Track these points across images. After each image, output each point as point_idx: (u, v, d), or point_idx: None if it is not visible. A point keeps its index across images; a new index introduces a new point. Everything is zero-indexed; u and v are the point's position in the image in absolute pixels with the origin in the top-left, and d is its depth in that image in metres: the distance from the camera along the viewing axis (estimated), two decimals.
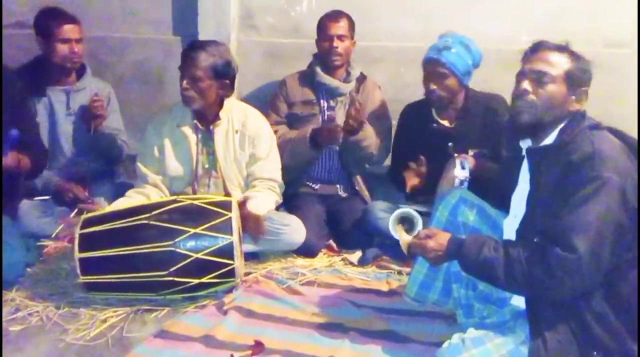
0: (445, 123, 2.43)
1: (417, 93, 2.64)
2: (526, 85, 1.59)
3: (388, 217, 2.42)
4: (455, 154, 2.17)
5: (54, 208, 2.51)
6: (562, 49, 1.60)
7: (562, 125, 1.59)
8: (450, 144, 2.37)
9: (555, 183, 1.53)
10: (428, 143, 2.39)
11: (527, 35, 2.75)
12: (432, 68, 2.32)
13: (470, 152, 2.29)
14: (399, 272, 2.32)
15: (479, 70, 2.43)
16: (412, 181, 2.37)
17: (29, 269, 2.18)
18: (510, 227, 1.75)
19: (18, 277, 2.09)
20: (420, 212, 2.22)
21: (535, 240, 1.54)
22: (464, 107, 2.41)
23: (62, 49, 2.52)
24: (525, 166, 1.69)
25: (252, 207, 2.23)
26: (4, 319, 1.88)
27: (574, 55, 1.60)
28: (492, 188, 1.97)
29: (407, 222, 2.01)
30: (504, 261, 1.52)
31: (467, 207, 1.87)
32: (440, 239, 1.66)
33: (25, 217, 2.37)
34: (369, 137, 2.57)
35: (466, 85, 2.41)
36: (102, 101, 2.57)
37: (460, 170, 2.06)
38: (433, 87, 2.33)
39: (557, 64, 1.58)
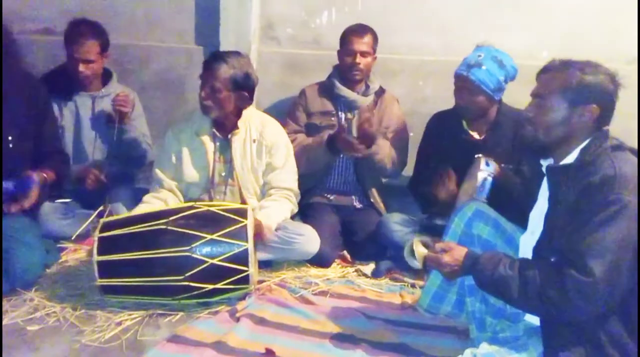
0: (475, 135, 2.41)
1: (435, 106, 2.66)
2: (529, 110, 1.60)
3: (402, 230, 2.46)
4: (480, 155, 2.13)
5: (74, 211, 2.57)
6: (568, 65, 1.58)
7: (583, 144, 1.57)
8: (477, 156, 2.35)
9: (574, 203, 1.51)
10: (455, 154, 2.36)
11: (548, 51, 2.76)
12: (462, 84, 2.31)
13: None
14: (412, 285, 2.32)
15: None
16: (442, 196, 2.30)
17: (48, 270, 2.22)
18: (526, 243, 1.74)
19: (37, 278, 2.14)
20: (437, 225, 2.24)
21: (552, 260, 1.53)
22: (495, 120, 2.38)
23: (72, 64, 2.57)
24: (545, 184, 1.68)
25: (262, 215, 2.25)
26: (22, 318, 1.92)
27: (580, 71, 1.56)
28: (511, 203, 1.96)
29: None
30: (519, 280, 1.51)
31: (482, 221, 1.87)
32: (456, 254, 1.66)
33: (46, 219, 2.42)
34: (383, 151, 2.57)
35: (499, 100, 2.37)
36: (126, 96, 2.61)
37: (485, 166, 2.04)
38: (462, 101, 2.32)
39: (555, 84, 1.57)
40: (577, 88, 1.55)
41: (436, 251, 1.71)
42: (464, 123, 2.42)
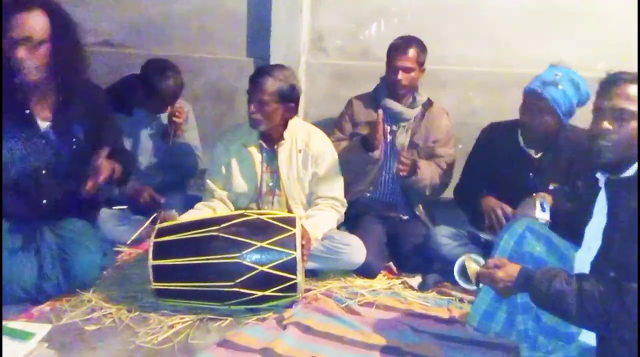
0: (532, 153, 2.34)
1: (484, 118, 2.63)
2: (607, 124, 1.54)
3: (451, 243, 2.43)
4: (534, 194, 2.06)
5: (130, 217, 2.68)
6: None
7: None
8: (530, 174, 2.29)
9: (634, 217, 1.47)
10: (507, 168, 2.31)
11: (604, 62, 2.67)
12: (533, 101, 2.19)
13: (551, 186, 2.20)
14: (461, 300, 2.27)
15: None
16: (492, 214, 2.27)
17: (105, 273, 2.31)
18: (582, 260, 1.69)
19: (95, 280, 2.22)
20: (483, 239, 2.20)
21: (611, 275, 1.49)
22: (556, 141, 2.27)
23: (155, 101, 2.73)
24: (601, 198, 1.63)
25: (309, 224, 2.26)
26: (80, 318, 2.00)
27: None
28: (564, 220, 1.91)
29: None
30: (577, 295, 1.47)
31: (534, 238, 1.83)
32: (510, 270, 1.63)
33: (104, 225, 2.54)
34: (425, 179, 2.55)
35: (566, 123, 2.26)
36: (181, 108, 2.72)
37: (541, 212, 1.97)
38: (529, 118, 2.22)
39: (635, 97, 1.52)
40: None
41: (489, 267, 1.68)
42: (521, 139, 2.35)
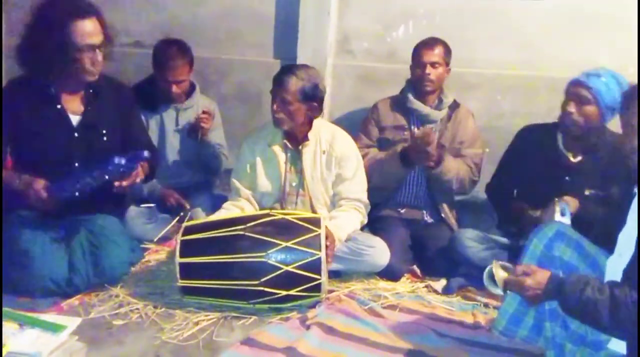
0: (570, 155, 2.32)
1: (513, 121, 2.61)
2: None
3: (476, 246, 2.40)
4: (556, 199, 2.05)
5: (157, 215, 2.72)
6: None
7: None
8: (567, 178, 2.27)
9: None
10: (543, 171, 2.29)
11: (634, 67, 2.62)
12: (576, 90, 2.20)
13: (586, 192, 2.18)
14: (486, 305, 2.25)
15: None
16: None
17: (132, 269, 2.34)
18: (614, 266, 1.66)
19: (123, 275, 2.26)
20: (510, 244, 2.17)
21: None
22: (595, 144, 2.26)
23: (164, 85, 2.73)
24: (635, 205, 1.60)
25: (332, 225, 2.27)
26: (108, 313, 2.05)
27: None
28: (596, 226, 1.88)
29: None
30: (609, 303, 1.44)
31: (564, 243, 1.79)
32: (539, 277, 1.60)
33: (131, 222, 2.58)
34: (451, 171, 2.53)
35: (604, 123, 2.25)
36: (210, 115, 2.75)
37: (560, 217, 1.96)
38: (571, 110, 2.20)
39: None
40: None
41: (517, 274, 1.66)
42: (560, 142, 2.32)
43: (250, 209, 2.40)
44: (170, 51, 2.70)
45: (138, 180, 2.12)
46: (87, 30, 2.04)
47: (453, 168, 2.55)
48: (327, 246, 2.12)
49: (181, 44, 2.75)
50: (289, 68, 2.37)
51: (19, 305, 1.92)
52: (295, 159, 2.42)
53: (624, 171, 2.05)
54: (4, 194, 2.25)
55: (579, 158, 2.30)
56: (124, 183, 2.05)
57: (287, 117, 2.31)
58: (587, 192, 2.16)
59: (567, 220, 1.96)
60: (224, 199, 2.53)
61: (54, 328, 1.64)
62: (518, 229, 2.28)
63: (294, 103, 2.29)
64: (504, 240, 2.36)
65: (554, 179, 2.25)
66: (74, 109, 2.18)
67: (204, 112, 2.73)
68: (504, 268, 1.79)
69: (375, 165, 2.59)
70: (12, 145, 2.19)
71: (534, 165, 2.34)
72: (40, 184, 2.02)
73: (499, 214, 2.54)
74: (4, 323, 1.65)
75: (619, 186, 1.87)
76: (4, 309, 1.73)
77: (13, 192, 2.09)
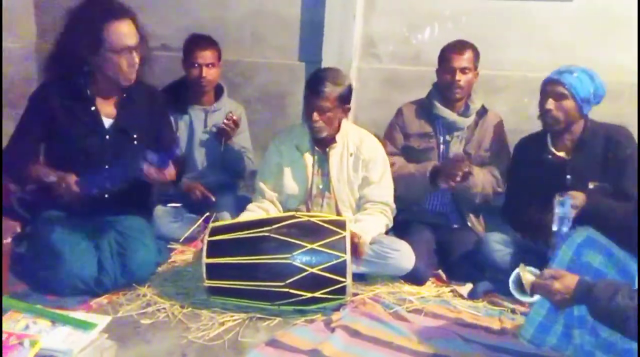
0: (562, 154, 2.32)
1: (540, 125, 2.55)
2: None
3: (503, 250, 2.38)
4: (557, 195, 2.05)
5: (183, 215, 2.76)
6: None
7: None
8: (568, 176, 2.27)
9: None
10: (543, 176, 2.30)
11: None
12: (551, 88, 2.28)
13: (591, 185, 2.18)
14: (513, 311, 2.21)
15: (610, 103, 2.29)
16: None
17: (159, 268, 2.38)
18: None
19: (150, 275, 2.29)
20: (536, 250, 2.13)
21: None
22: (581, 137, 2.30)
23: (193, 72, 2.77)
24: None
25: (357, 228, 2.26)
26: (136, 312, 2.08)
27: None
28: (625, 230, 1.84)
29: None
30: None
31: (593, 248, 1.76)
32: (568, 281, 1.57)
33: (158, 221, 2.62)
34: (477, 186, 2.50)
35: (585, 116, 2.30)
36: (236, 122, 2.78)
37: (560, 207, 1.99)
38: (549, 107, 2.26)
39: None
40: None
41: (545, 278, 1.63)
42: (549, 143, 2.35)
43: (274, 211, 2.41)
44: (199, 37, 2.81)
45: (170, 178, 2.15)
46: (123, 31, 2.06)
47: (479, 183, 2.51)
48: (356, 247, 2.11)
49: (207, 35, 2.86)
50: (323, 76, 2.32)
51: (49, 303, 1.95)
52: (322, 161, 2.42)
53: (623, 158, 2.12)
54: (36, 194, 2.32)
55: (572, 155, 2.32)
56: (159, 176, 2.08)
57: (327, 124, 2.31)
58: (591, 185, 2.18)
59: (565, 210, 1.98)
60: (248, 201, 2.54)
61: (85, 326, 1.67)
62: (543, 235, 2.24)
63: (333, 109, 2.29)
64: (533, 243, 2.33)
65: (556, 181, 2.25)
66: (107, 112, 2.21)
67: (228, 119, 2.75)
68: (531, 272, 1.76)
69: (402, 178, 2.54)
70: (45, 145, 2.24)
71: (535, 173, 2.35)
72: (72, 178, 2.05)
73: (519, 232, 2.50)
74: (37, 320, 1.68)
75: (626, 175, 1.83)
76: (37, 306, 1.78)
77: (43, 188, 2.13)
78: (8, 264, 1.96)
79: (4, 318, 1.68)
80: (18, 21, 3.81)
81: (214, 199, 2.76)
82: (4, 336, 1.59)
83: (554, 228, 2.00)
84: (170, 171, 2.17)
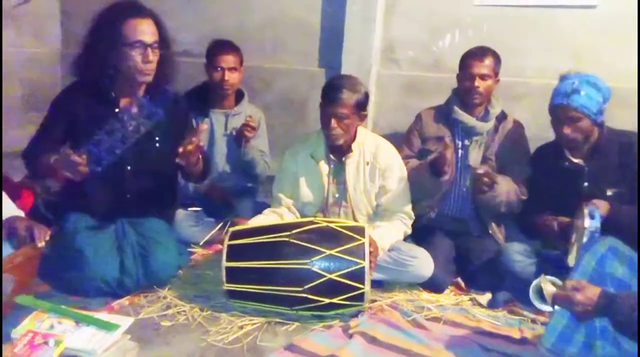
0: (579, 161, 2.30)
1: None
2: None
3: (524, 260, 2.35)
4: (584, 203, 2.03)
5: (203, 218, 2.79)
6: None
7: None
8: (585, 184, 2.25)
9: None
10: (561, 184, 2.28)
11: None
12: (563, 113, 2.23)
13: (609, 192, 2.16)
14: (533, 321, 2.19)
15: (634, 110, 2.26)
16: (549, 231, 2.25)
17: (180, 271, 2.40)
18: None
19: (171, 277, 2.32)
20: (557, 258, 2.11)
21: None
22: (597, 143, 2.28)
23: (215, 75, 2.81)
24: None
25: (375, 235, 2.25)
26: (156, 314, 2.10)
27: None
28: (628, 224, 1.82)
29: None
30: None
31: (616, 259, 1.74)
32: (590, 293, 1.55)
33: (179, 225, 2.66)
34: (502, 194, 2.47)
35: (601, 123, 2.27)
36: (254, 125, 2.81)
37: (590, 220, 1.93)
38: (566, 132, 2.23)
39: None
40: None
41: (567, 289, 1.61)
42: (567, 153, 2.32)
43: (289, 217, 2.41)
44: (222, 42, 2.89)
45: (201, 143, 2.14)
46: (139, 27, 2.11)
47: (504, 190, 2.48)
48: (370, 253, 2.11)
49: (229, 40, 2.93)
50: (340, 83, 2.32)
51: (72, 303, 1.98)
52: (339, 170, 2.41)
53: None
54: (63, 196, 2.36)
55: (589, 161, 2.29)
56: (189, 147, 2.06)
57: (344, 131, 2.30)
58: (609, 193, 2.15)
59: (597, 223, 1.93)
60: (267, 206, 2.55)
61: (108, 327, 1.70)
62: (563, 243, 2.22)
63: (350, 116, 2.28)
64: (553, 254, 2.31)
65: (574, 189, 2.24)
66: (135, 109, 2.22)
67: (246, 124, 2.78)
68: (552, 283, 1.75)
69: (410, 175, 2.52)
70: (70, 145, 2.28)
71: (552, 181, 2.34)
72: (70, 152, 1.96)
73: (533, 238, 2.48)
74: (62, 320, 1.72)
75: None
76: (62, 306, 1.81)
77: (67, 190, 2.15)
78: (37, 266, 2.00)
79: (30, 317, 1.72)
80: (44, 27, 3.91)
81: (233, 201, 2.79)
82: (30, 335, 1.63)
83: (584, 240, 1.94)
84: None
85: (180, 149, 2.08)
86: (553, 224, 2.24)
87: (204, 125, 2.19)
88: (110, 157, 1.99)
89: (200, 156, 2.20)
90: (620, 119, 2.35)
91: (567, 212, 2.20)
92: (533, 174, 2.51)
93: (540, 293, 1.82)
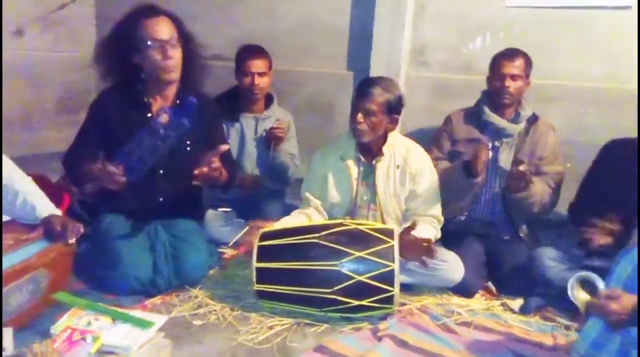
0: None
1: (596, 136, 2.49)
2: None
3: (557, 266, 2.30)
4: None
5: (233, 219, 2.82)
6: None
7: None
8: None
9: None
10: (632, 189, 2.16)
11: None
12: None
13: None
14: (567, 327, 2.15)
15: None
16: (601, 239, 2.18)
17: (210, 271, 2.44)
18: None
19: (202, 277, 2.36)
20: (597, 267, 2.06)
21: None
22: None
23: (245, 80, 2.84)
24: None
25: (419, 232, 2.23)
26: (188, 312, 2.13)
27: None
28: None
29: (587, 284, 1.85)
30: None
31: None
32: (625, 302, 1.52)
33: (209, 225, 2.68)
34: (535, 195, 2.44)
35: None
36: (284, 128, 2.85)
37: None
38: None
39: None
40: None
41: (601, 297, 1.58)
42: None
43: (318, 218, 2.41)
44: (251, 47, 2.92)
45: (219, 175, 2.16)
46: (156, 26, 2.17)
47: (538, 191, 2.44)
48: (428, 249, 2.12)
49: (259, 45, 2.96)
50: (373, 80, 2.35)
51: (106, 302, 2.02)
52: (368, 173, 2.40)
53: None
54: (97, 198, 2.42)
55: None
56: (205, 169, 2.09)
57: (370, 129, 2.28)
58: None
59: None
60: (295, 208, 2.57)
61: (143, 324, 1.74)
62: (608, 251, 2.16)
63: (379, 115, 2.27)
64: (600, 263, 2.23)
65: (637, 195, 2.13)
66: (162, 119, 2.29)
67: (277, 123, 2.81)
68: (587, 282, 1.71)
69: (441, 176, 2.50)
70: (104, 151, 2.34)
71: (622, 182, 2.22)
72: (107, 164, 2.02)
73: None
74: (98, 317, 1.76)
75: None
76: (99, 304, 1.86)
77: (102, 191, 2.21)
78: (71, 263, 2.06)
79: (68, 314, 1.77)
80: (79, 30, 4.02)
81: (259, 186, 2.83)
82: (68, 331, 1.67)
83: None
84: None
85: (196, 172, 2.09)
86: (595, 239, 2.18)
87: (224, 147, 2.21)
88: (143, 167, 2.03)
89: (223, 171, 2.22)
90: None
91: (627, 218, 2.12)
92: (601, 167, 2.38)
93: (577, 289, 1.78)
